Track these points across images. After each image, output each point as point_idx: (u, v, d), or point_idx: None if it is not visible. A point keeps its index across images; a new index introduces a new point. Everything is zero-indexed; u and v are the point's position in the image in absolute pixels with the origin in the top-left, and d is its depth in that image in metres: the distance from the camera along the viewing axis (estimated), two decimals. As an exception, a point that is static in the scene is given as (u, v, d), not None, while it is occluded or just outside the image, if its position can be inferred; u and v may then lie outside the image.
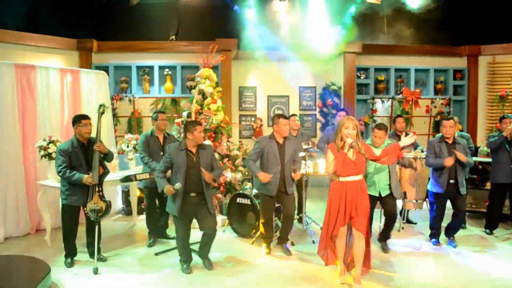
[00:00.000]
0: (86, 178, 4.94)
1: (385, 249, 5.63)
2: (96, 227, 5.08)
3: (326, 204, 4.54)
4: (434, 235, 5.95)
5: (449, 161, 5.48)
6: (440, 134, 5.84)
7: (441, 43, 9.92)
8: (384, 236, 5.66)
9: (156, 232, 6.09)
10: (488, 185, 6.92)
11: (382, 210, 5.72)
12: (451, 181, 5.61)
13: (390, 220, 5.50)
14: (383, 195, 5.37)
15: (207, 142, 6.58)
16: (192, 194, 4.81)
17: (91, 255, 5.24)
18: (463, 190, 5.63)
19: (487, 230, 6.45)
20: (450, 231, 5.89)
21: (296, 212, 6.81)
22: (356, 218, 4.38)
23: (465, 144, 5.77)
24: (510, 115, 6.48)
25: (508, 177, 6.17)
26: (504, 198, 6.45)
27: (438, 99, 9.99)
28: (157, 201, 6.06)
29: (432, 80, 10.05)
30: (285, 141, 5.42)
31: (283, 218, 5.60)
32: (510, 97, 9.56)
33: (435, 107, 9.99)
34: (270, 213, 5.54)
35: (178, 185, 4.66)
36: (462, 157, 5.51)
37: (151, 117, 6.32)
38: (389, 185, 5.39)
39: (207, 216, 4.89)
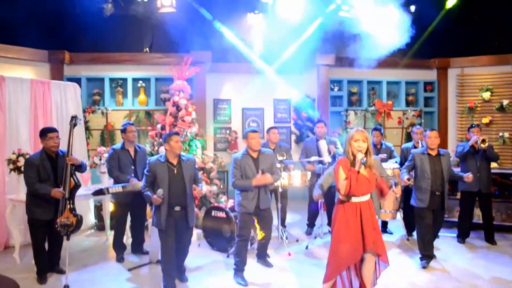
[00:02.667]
0: (55, 191, 4.81)
1: None
2: (66, 241, 4.94)
3: (332, 231, 4.08)
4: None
5: (404, 182, 5.48)
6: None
7: (412, 56, 10.15)
8: None
9: (135, 245, 5.99)
10: (458, 195, 7.03)
11: None
12: (437, 193, 5.48)
13: None
14: None
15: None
16: (177, 208, 4.64)
17: (51, 269, 5.20)
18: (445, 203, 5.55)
19: (459, 239, 6.56)
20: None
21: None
22: (376, 242, 3.93)
23: (449, 156, 5.68)
24: (477, 124, 6.64)
25: (475, 186, 6.30)
26: (473, 206, 6.59)
27: (409, 110, 10.19)
28: (129, 216, 5.98)
29: (403, 92, 10.25)
30: (259, 155, 5.21)
31: (260, 233, 5.45)
32: (478, 108, 9.83)
33: (407, 118, 10.19)
34: (249, 231, 5.21)
35: (160, 191, 4.52)
36: (470, 178, 5.51)
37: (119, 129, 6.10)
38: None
39: (184, 230, 4.78)
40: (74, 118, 5.15)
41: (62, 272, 5.20)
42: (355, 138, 3.91)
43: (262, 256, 5.61)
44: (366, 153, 3.91)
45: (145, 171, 4.75)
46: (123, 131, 5.82)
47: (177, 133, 4.81)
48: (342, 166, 3.93)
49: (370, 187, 3.94)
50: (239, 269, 5.07)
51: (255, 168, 5.11)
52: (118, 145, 5.90)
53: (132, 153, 5.83)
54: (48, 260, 5.19)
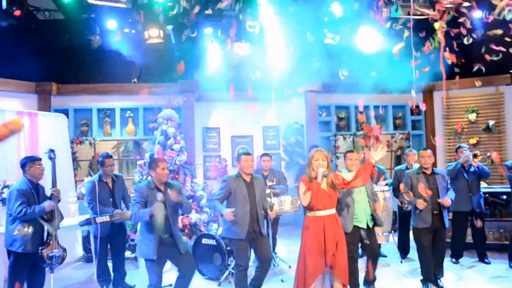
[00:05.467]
0: (49, 204, 4.75)
1: None
2: (52, 275, 4.82)
3: (300, 243, 4.24)
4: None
5: (421, 205, 5.19)
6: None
7: (397, 81, 10.25)
8: (370, 277, 5.16)
9: (116, 279, 5.71)
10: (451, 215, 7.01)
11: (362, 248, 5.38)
12: (435, 212, 5.30)
13: (374, 256, 5.13)
14: (370, 225, 4.99)
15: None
16: (166, 236, 4.55)
17: None
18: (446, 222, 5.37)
19: (453, 259, 6.51)
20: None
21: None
22: (337, 256, 4.10)
23: (444, 174, 5.61)
24: (465, 145, 6.70)
25: (467, 205, 6.29)
26: (466, 226, 6.56)
27: (397, 134, 10.27)
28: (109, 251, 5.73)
29: (391, 116, 10.34)
30: (253, 179, 5.10)
31: (260, 263, 5.04)
32: (465, 129, 9.93)
33: (395, 141, 10.25)
34: (246, 259, 4.97)
35: (160, 196, 4.47)
36: (446, 201, 5.26)
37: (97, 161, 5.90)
38: (372, 215, 5.06)
39: (181, 257, 4.63)
40: (50, 151, 5.12)
41: None
42: (315, 158, 4.28)
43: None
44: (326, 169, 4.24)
45: (135, 198, 4.62)
46: (102, 164, 5.61)
47: (164, 160, 4.76)
48: (303, 182, 4.29)
49: (332, 202, 4.25)
50: None
51: (247, 192, 4.99)
52: (96, 176, 5.63)
53: (110, 184, 5.67)
54: None
